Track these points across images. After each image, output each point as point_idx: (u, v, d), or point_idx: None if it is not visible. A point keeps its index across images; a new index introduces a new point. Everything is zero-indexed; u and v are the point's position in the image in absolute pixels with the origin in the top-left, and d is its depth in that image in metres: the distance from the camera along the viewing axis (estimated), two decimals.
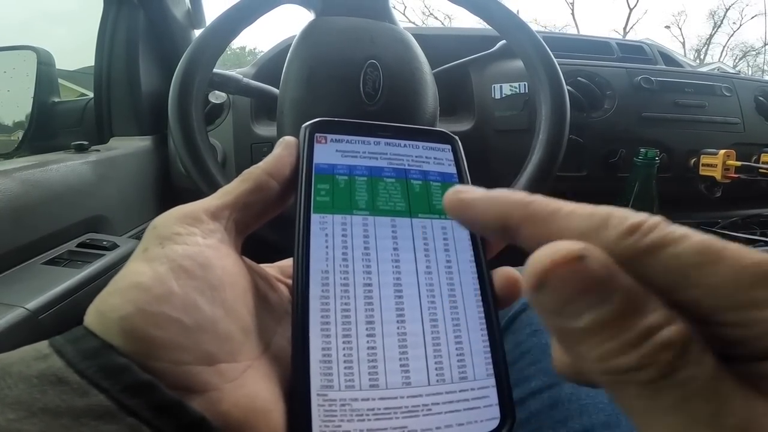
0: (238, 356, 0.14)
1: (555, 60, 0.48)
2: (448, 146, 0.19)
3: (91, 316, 0.13)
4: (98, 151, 0.59)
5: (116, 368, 0.12)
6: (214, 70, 0.48)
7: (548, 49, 0.48)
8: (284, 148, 0.17)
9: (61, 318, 0.39)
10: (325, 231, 0.16)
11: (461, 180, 0.18)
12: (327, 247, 0.16)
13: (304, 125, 0.18)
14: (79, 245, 0.49)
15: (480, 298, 0.16)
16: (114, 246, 0.49)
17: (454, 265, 0.16)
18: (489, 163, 0.66)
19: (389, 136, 0.18)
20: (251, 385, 0.13)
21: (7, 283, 0.41)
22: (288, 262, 0.20)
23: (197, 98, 0.45)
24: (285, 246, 0.16)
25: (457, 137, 0.19)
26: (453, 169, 0.18)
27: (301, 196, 0.16)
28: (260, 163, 0.17)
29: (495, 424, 0.14)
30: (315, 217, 0.16)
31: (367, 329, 0.15)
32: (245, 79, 0.52)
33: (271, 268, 0.19)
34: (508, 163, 0.52)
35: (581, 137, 0.67)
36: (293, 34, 0.50)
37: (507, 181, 0.46)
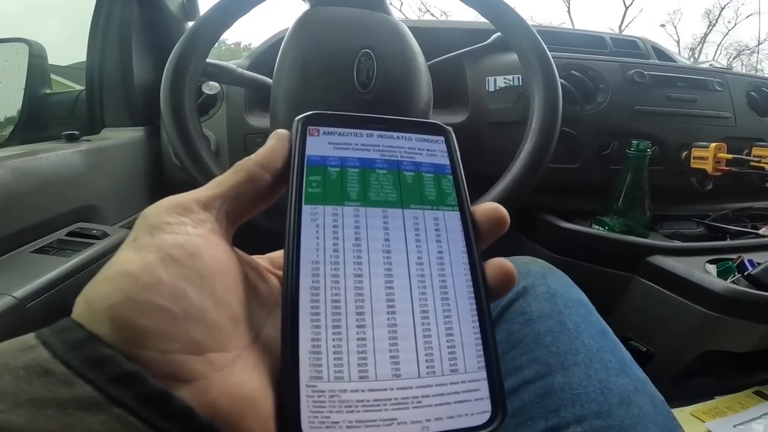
0: (226, 346, 0.14)
1: (548, 50, 0.48)
2: (442, 138, 0.19)
3: (80, 306, 0.13)
4: (89, 141, 0.59)
5: (102, 359, 0.12)
6: (208, 60, 0.48)
7: (542, 41, 0.48)
8: (277, 141, 0.17)
9: (49, 306, 0.39)
10: (316, 222, 0.16)
11: (454, 171, 0.18)
12: (318, 237, 0.16)
13: (296, 118, 0.18)
14: (69, 234, 0.49)
15: (472, 289, 0.16)
16: (104, 235, 0.49)
17: (445, 256, 0.16)
18: (483, 154, 0.66)
19: (382, 128, 0.18)
20: (240, 375, 0.13)
21: None
22: (279, 254, 0.20)
23: (190, 87, 0.44)
24: (281, 234, 0.16)
25: (450, 129, 0.19)
26: (446, 161, 0.18)
27: (292, 188, 0.16)
28: (253, 155, 0.17)
29: (486, 417, 0.14)
30: (306, 209, 0.16)
31: (357, 320, 0.15)
32: (239, 69, 0.52)
33: (262, 260, 0.19)
34: (501, 155, 0.52)
35: (574, 130, 0.68)
36: (288, 26, 0.50)
37: (500, 173, 0.47)
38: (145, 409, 0.11)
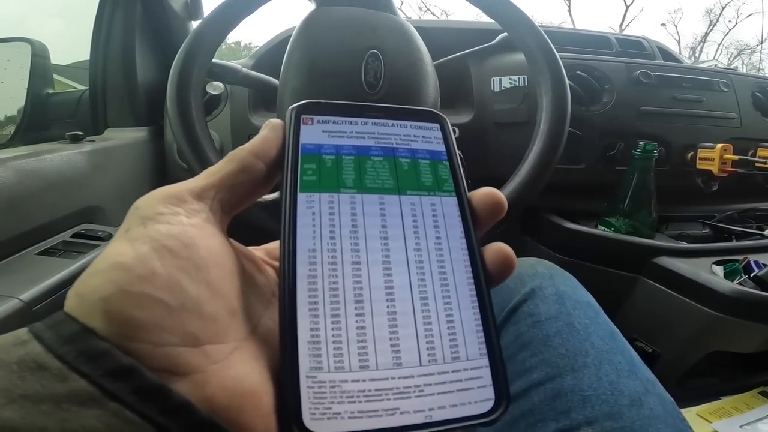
0: (224, 337, 0.13)
1: (556, 51, 0.47)
2: (437, 125, 0.19)
3: (72, 299, 0.12)
4: (93, 141, 0.59)
5: (97, 352, 0.11)
6: (213, 60, 0.47)
7: (549, 41, 0.48)
8: (270, 130, 0.17)
9: (56, 309, 0.38)
10: (312, 210, 0.16)
11: (450, 157, 0.18)
12: (314, 225, 0.15)
13: (290, 107, 0.17)
14: (74, 236, 0.48)
15: (471, 275, 0.16)
16: (109, 236, 0.48)
17: (444, 242, 0.16)
18: (487, 155, 0.66)
19: (377, 116, 0.18)
20: (238, 367, 0.13)
21: (0, 273, 0.41)
22: (275, 245, 0.20)
23: (196, 87, 0.44)
24: (276, 230, 0.16)
25: (445, 116, 0.19)
26: (442, 147, 0.18)
27: (287, 176, 0.16)
28: (246, 145, 0.17)
29: (489, 405, 0.14)
30: (301, 197, 0.16)
31: (356, 309, 0.14)
32: (244, 70, 0.52)
33: (258, 251, 0.19)
34: (506, 155, 0.52)
35: (580, 130, 0.67)
36: (292, 26, 0.50)
37: (505, 174, 0.46)
38: (143, 403, 0.11)
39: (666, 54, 0.89)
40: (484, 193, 0.17)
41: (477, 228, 0.17)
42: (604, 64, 0.70)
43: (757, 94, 0.76)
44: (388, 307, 0.15)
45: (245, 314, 0.15)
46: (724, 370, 0.63)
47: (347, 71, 0.44)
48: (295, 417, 0.13)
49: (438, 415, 0.13)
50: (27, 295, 0.38)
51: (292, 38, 0.47)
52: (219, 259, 0.14)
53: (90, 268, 0.13)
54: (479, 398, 0.14)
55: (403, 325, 0.14)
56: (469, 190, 0.18)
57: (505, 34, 0.54)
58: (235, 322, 0.14)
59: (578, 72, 0.69)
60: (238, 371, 0.13)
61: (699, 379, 0.62)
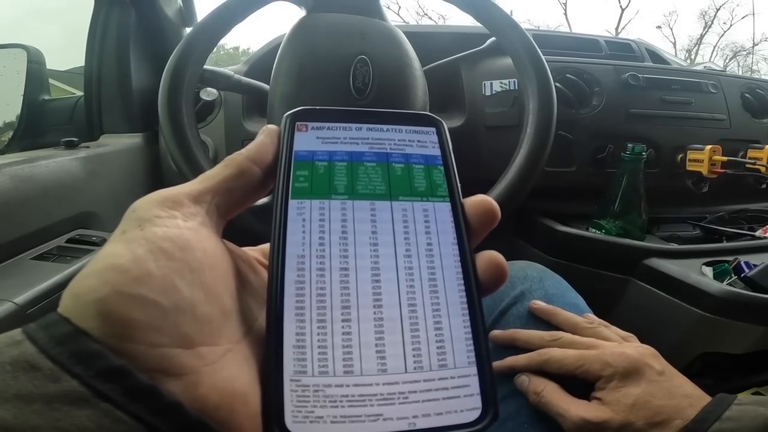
0: (217, 339, 0.13)
1: (542, 55, 0.48)
2: (433, 129, 0.18)
3: (67, 300, 0.12)
4: (88, 147, 0.59)
5: (89, 353, 0.11)
6: (205, 66, 0.48)
7: (536, 45, 0.48)
8: (266, 136, 0.17)
9: (49, 312, 0.39)
10: (303, 216, 0.16)
11: (445, 162, 0.18)
12: (304, 232, 0.15)
13: (285, 114, 0.18)
14: (69, 241, 0.49)
15: (462, 281, 0.16)
16: (103, 242, 0.49)
17: (435, 248, 0.16)
18: (479, 158, 0.67)
19: (372, 121, 0.18)
20: (231, 369, 0.13)
21: None
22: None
23: (188, 93, 0.45)
24: (265, 232, 0.16)
25: (441, 120, 0.19)
26: (437, 152, 0.18)
27: (279, 183, 0.16)
28: (243, 150, 0.17)
29: (476, 414, 0.14)
30: (293, 203, 0.16)
31: (342, 314, 0.14)
32: (236, 76, 0.52)
33: (253, 251, 0.19)
34: (498, 158, 0.53)
35: (570, 133, 0.68)
36: (285, 32, 0.50)
37: (497, 177, 0.47)
38: (133, 404, 0.11)
39: (655, 56, 0.90)
40: (476, 200, 0.17)
41: (470, 235, 0.17)
42: (593, 66, 0.71)
43: (746, 95, 0.77)
44: (374, 313, 0.15)
45: (240, 316, 0.15)
46: (719, 371, 0.64)
47: (336, 77, 0.45)
48: (277, 419, 0.13)
49: (422, 423, 0.13)
50: (21, 298, 0.38)
51: (282, 44, 0.48)
52: (214, 261, 0.14)
53: (85, 269, 0.13)
54: (466, 407, 0.14)
55: (389, 332, 0.14)
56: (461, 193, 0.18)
57: (494, 38, 0.54)
58: (229, 323, 0.14)
59: (568, 75, 0.69)
60: (230, 373, 0.13)
61: (693, 380, 0.62)
